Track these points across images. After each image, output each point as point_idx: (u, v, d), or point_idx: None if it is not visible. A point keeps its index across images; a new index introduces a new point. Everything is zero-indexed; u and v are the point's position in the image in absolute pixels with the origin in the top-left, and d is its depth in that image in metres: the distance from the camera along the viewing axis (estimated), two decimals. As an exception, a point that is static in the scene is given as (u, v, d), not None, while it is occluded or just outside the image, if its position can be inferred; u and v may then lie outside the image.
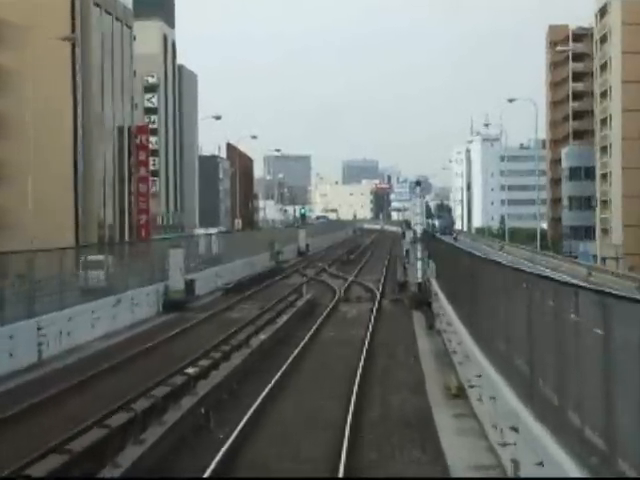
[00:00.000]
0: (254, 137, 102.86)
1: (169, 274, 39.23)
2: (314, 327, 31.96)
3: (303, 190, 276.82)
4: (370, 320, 34.08)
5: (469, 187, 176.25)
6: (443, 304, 28.48)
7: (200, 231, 79.19)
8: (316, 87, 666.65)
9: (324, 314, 36.28)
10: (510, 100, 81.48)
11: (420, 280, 39.25)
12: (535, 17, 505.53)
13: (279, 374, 22.26)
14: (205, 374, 21.33)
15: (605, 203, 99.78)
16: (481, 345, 17.39)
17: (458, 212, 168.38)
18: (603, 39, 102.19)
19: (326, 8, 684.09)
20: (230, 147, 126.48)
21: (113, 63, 68.88)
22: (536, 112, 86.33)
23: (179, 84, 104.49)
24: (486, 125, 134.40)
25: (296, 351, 26.20)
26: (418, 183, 40.93)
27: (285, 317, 33.43)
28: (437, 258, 35.53)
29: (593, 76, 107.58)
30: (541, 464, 10.66)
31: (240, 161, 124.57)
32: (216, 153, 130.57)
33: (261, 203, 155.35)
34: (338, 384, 21.65)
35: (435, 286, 33.99)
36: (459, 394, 19.67)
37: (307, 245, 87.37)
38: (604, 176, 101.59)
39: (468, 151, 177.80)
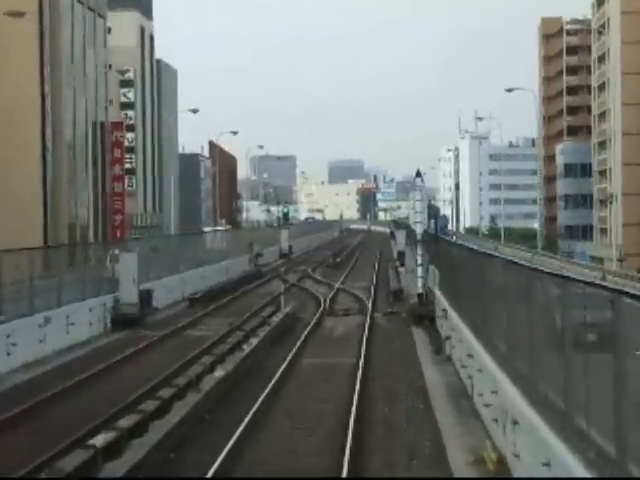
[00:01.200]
0: (235, 132, 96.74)
1: (119, 284, 32.79)
2: (292, 352, 25.54)
3: (288, 190, 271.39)
4: (362, 340, 27.73)
5: (457, 187, 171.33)
6: (457, 325, 22.26)
7: (207, 229, 74.05)
8: (302, 86, 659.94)
9: (305, 332, 29.91)
10: (509, 90, 75.29)
11: (421, 290, 32.99)
12: (525, 13, 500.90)
13: (237, 433, 15.89)
14: (125, 443, 14.80)
15: (603, 201, 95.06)
16: (539, 408, 11.10)
17: (447, 212, 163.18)
18: (601, 29, 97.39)
19: (312, 6, 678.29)
20: (212, 145, 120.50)
21: (85, 55, 65.40)
22: (534, 100, 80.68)
23: (157, 78, 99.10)
24: (479, 119, 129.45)
25: (266, 390, 19.86)
26: (418, 174, 34.48)
27: (257, 338, 27.12)
28: (443, 264, 29.23)
29: (590, 70, 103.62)
30: None
31: (223, 160, 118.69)
32: (199, 152, 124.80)
33: (245, 203, 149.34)
34: (321, 453, 15.16)
35: (441, 299, 27.72)
36: (499, 470, 13.41)
37: (290, 247, 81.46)
38: (602, 173, 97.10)
39: (457, 149, 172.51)
